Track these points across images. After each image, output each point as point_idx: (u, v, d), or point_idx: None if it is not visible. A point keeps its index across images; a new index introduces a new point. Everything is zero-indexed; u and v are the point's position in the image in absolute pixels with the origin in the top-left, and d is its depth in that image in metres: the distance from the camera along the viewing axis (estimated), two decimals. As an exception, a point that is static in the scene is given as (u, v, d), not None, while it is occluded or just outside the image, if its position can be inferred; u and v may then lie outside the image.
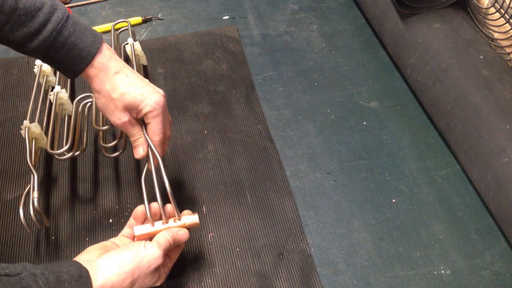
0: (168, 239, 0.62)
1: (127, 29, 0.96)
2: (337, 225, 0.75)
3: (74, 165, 0.82)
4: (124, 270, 0.56)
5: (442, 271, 0.70)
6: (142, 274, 0.58)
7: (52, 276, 0.51)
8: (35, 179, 0.68)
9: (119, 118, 0.63)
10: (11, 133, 0.86)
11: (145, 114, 0.63)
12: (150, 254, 0.58)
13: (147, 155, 0.66)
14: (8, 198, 0.78)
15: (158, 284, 0.61)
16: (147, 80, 0.65)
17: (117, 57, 0.63)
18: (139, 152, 0.66)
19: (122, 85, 0.62)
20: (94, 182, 0.80)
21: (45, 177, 0.81)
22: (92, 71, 0.61)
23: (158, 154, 0.65)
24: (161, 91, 0.64)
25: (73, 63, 0.60)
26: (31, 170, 0.69)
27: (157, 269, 0.60)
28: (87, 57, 0.60)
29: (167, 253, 0.63)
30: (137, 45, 0.90)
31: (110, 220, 0.75)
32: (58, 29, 0.58)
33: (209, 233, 0.74)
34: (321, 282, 0.69)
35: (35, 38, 0.57)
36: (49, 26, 0.57)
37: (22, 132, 0.74)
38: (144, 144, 0.65)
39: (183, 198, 0.78)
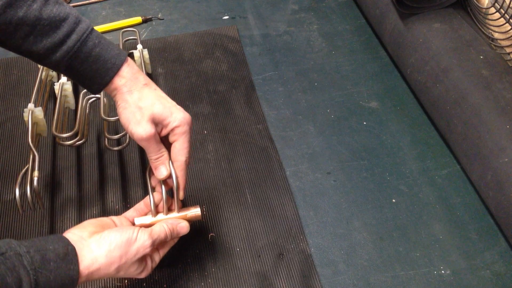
0: (165, 229, 0.62)
1: (135, 38, 0.96)
2: (337, 225, 0.75)
3: (79, 164, 0.82)
4: (113, 254, 0.56)
5: (442, 271, 0.70)
6: (128, 261, 0.57)
7: (38, 255, 0.50)
8: (36, 159, 0.67)
9: (145, 129, 0.59)
10: (11, 133, 0.86)
11: (172, 130, 0.61)
12: (140, 241, 0.58)
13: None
14: (8, 198, 0.78)
15: (141, 276, 0.61)
16: (174, 101, 0.63)
17: (144, 73, 0.63)
18: (162, 172, 0.63)
19: (152, 96, 0.60)
20: (99, 180, 0.80)
21: (49, 178, 0.81)
22: (120, 80, 0.60)
23: (179, 178, 0.63)
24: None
25: (98, 74, 0.59)
26: (32, 150, 0.68)
27: (143, 259, 0.60)
28: (113, 69, 0.59)
29: (157, 246, 0.62)
30: (146, 52, 0.91)
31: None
32: (83, 39, 0.57)
33: (209, 233, 0.74)
34: (321, 282, 0.69)
35: (59, 49, 0.56)
36: (74, 36, 0.57)
37: (25, 115, 0.74)
38: (167, 163, 0.63)
39: (183, 198, 0.78)
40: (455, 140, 0.79)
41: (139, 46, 0.91)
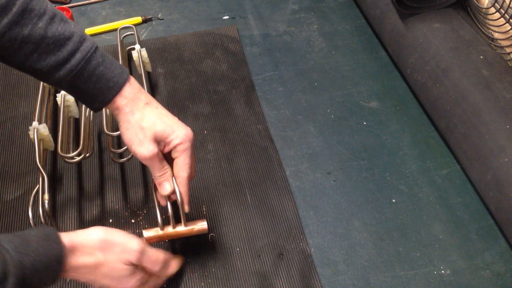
0: (158, 254, 0.61)
1: (132, 34, 0.96)
2: (337, 225, 0.75)
3: (80, 166, 0.82)
4: (94, 237, 0.55)
5: (442, 271, 0.70)
6: (113, 255, 0.55)
7: (18, 239, 0.49)
8: (45, 181, 0.68)
9: (148, 149, 0.60)
10: (11, 133, 0.86)
11: (174, 147, 0.61)
12: (129, 240, 0.57)
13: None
14: (8, 198, 0.78)
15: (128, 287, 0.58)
16: (176, 117, 0.63)
17: (145, 91, 0.63)
18: (166, 188, 0.63)
19: (153, 115, 0.61)
20: (99, 180, 0.80)
21: (50, 177, 0.80)
22: (121, 100, 0.60)
23: (182, 193, 0.64)
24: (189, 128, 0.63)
25: (100, 93, 0.59)
26: (40, 171, 0.69)
27: (133, 272, 0.58)
28: (115, 88, 0.59)
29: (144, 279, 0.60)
30: (144, 52, 0.91)
31: (111, 220, 0.75)
32: (87, 58, 0.57)
33: (209, 233, 0.74)
34: (321, 282, 0.69)
35: (63, 67, 0.56)
36: (78, 55, 0.57)
37: (31, 133, 0.74)
38: (170, 179, 0.63)
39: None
40: (455, 140, 0.79)
41: (137, 46, 0.90)
